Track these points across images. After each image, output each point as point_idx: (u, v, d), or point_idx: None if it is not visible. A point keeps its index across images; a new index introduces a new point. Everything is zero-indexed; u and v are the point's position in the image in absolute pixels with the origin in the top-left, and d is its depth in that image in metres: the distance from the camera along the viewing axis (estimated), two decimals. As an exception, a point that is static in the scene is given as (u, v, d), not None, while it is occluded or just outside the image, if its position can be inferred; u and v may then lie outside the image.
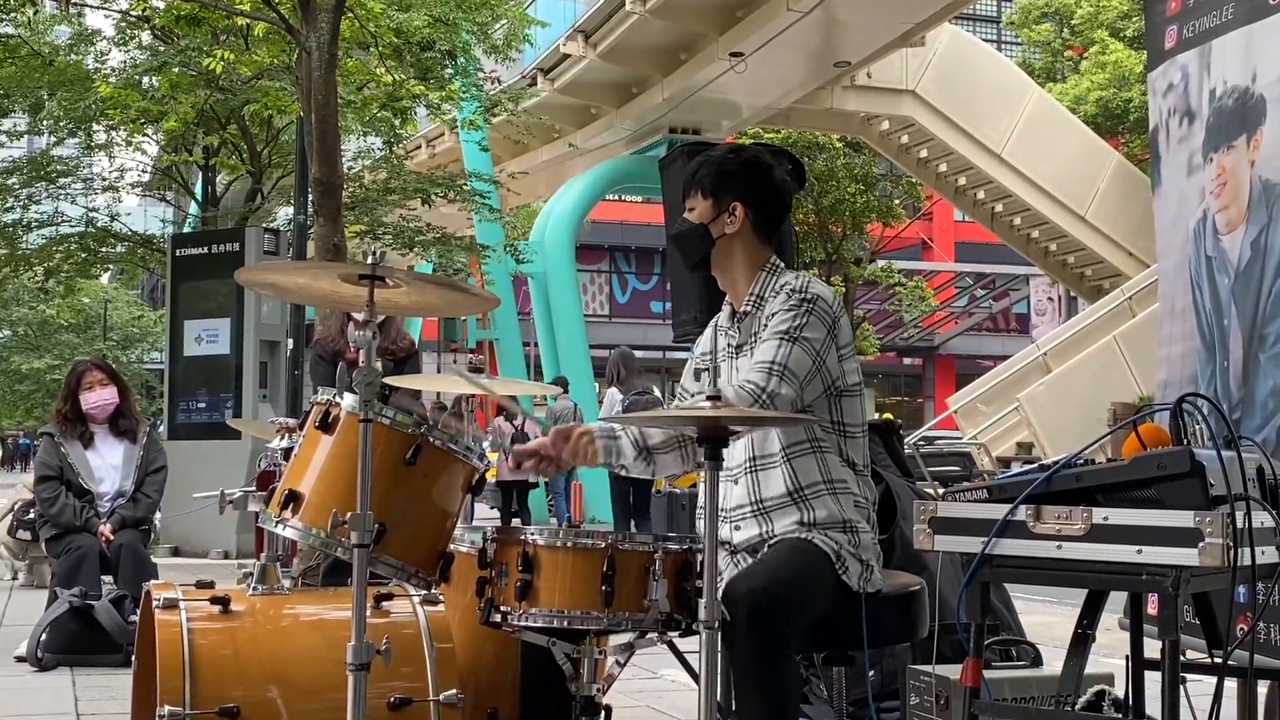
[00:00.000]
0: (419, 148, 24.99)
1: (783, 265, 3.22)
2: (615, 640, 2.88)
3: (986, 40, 29.89)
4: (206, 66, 13.10)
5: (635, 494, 12.71)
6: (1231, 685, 2.83)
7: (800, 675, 3.07)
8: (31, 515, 8.11)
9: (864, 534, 3.07)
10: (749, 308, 3.17)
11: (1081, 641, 2.85)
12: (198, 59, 13.64)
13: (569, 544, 2.72)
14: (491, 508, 15.83)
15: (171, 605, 3.06)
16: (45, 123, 16.33)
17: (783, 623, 2.79)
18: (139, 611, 3.33)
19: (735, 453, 3.09)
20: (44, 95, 15.62)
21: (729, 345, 3.22)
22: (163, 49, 15.25)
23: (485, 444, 14.40)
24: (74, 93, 15.36)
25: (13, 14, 14.41)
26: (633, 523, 12.11)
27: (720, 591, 2.66)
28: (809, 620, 2.92)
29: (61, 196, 17.66)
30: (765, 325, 3.09)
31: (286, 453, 4.01)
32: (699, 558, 2.72)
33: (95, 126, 16.44)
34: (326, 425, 2.85)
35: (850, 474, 3.10)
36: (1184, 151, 4.64)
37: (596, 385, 20.47)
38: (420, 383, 4.35)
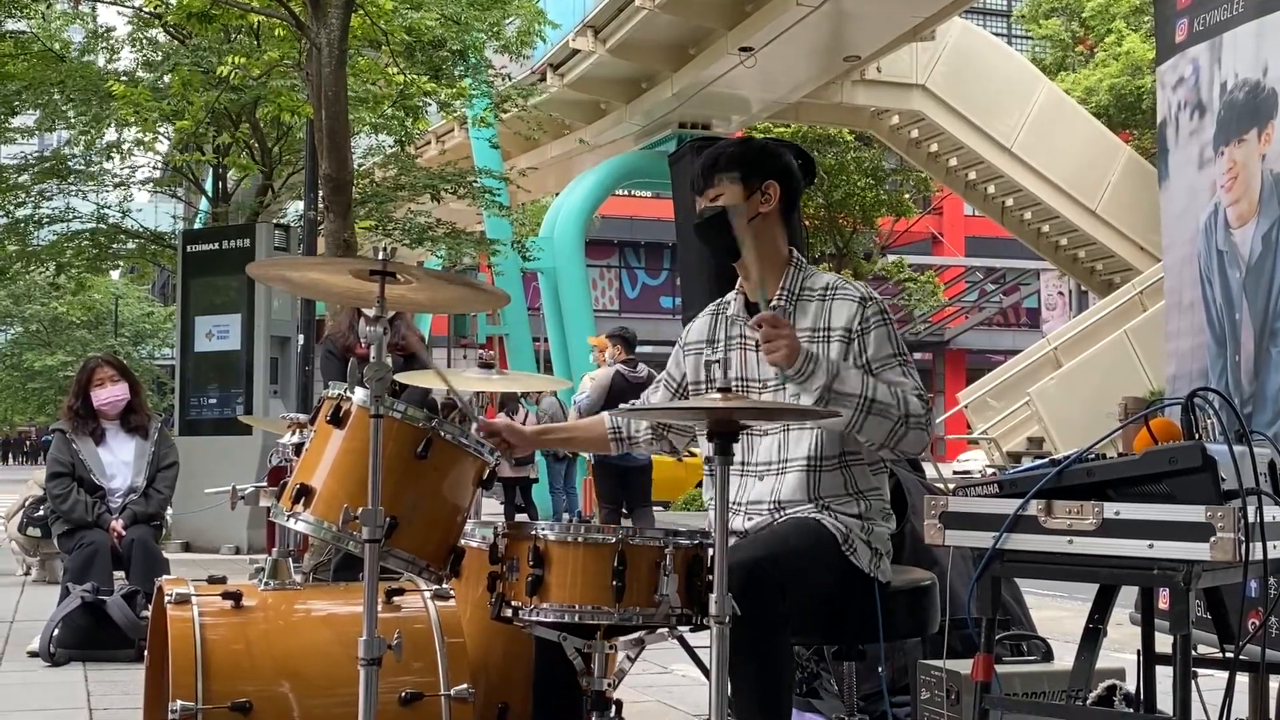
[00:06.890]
0: (429, 144, 25.01)
1: (804, 261, 3.24)
2: (626, 635, 2.89)
3: (996, 34, 29.82)
4: (219, 70, 13.08)
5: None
6: (1243, 680, 2.82)
7: (793, 652, 3.06)
8: (41, 512, 8.13)
9: (878, 527, 3.09)
10: (782, 302, 3.16)
11: (1092, 636, 2.85)
12: (209, 58, 13.63)
13: (580, 539, 2.72)
14: (501, 502, 15.87)
15: (184, 600, 3.07)
16: (58, 123, 16.31)
17: (777, 598, 2.79)
18: (151, 607, 3.34)
19: (760, 451, 3.12)
20: (55, 94, 15.59)
21: (743, 336, 3.19)
22: (173, 46, 15.24)
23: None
24: (86, 92, 15.35)
25: (26, 9, 14.40)
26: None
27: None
28: (812, 601, 2.92)
29: (72, 193, 17.66)
30: (832, 330, 3.09)
31: (297, 448, 4.00)
32: (709, 553, 2.72)
33: (110, 130, 16.43)
34: (337, 420, 2.86)
35: (878, 480, 3.13)
36: (1194, 145, 4.63)
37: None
38: (426, 379, 4.34)
